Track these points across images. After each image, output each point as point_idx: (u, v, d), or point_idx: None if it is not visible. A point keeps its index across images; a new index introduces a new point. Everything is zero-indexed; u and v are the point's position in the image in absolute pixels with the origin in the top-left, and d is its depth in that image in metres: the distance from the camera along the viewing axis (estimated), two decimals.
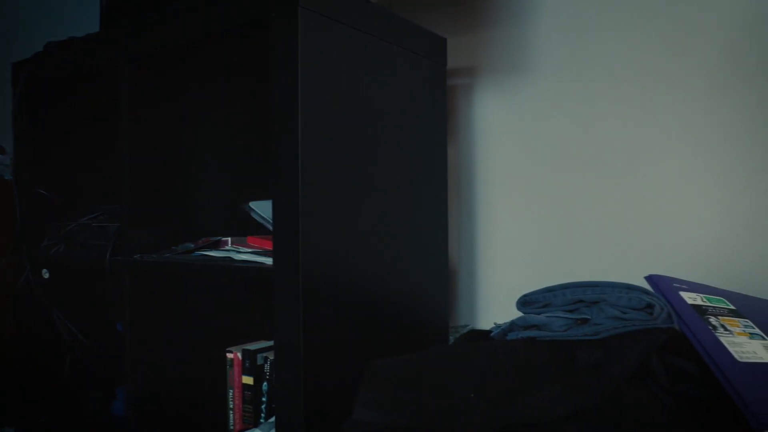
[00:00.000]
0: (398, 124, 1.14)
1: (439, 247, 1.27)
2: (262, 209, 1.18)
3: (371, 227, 1.06)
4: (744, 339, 0.81)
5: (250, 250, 1.12)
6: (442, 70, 1.28)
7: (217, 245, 1.20)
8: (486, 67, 1.49)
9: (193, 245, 1.20)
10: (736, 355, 0.76)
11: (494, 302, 1.49)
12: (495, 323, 1.01)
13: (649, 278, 0.94)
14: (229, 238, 1.19)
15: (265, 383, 1.22)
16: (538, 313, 0.94)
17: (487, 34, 1.49)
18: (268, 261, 0.99)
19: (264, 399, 1.22)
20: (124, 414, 1.27)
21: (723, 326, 0.83)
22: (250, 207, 1.19)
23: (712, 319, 0.84)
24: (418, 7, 1.58)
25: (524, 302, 0.99)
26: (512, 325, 0.95)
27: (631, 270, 1.31)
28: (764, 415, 0.65)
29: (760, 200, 1.20)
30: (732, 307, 0.91)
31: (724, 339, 0.79)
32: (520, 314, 0.98)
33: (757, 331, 0.84)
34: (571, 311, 0.92)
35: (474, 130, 1.50)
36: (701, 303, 0.89)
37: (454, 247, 1.53)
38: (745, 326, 0.85)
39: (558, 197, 1.40)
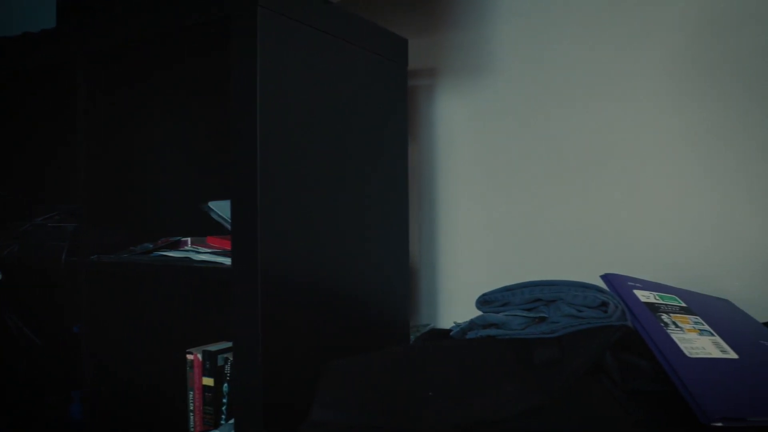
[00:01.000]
0: (358, 124, 1.14)
1: (400, 247, 1.27)
2: (221, 209, 1.17)
3: (331, 227, 1.06)
4: (694, 335, 0.83)
5: (209, 250, 1.11)
6: (403, 71, 1.28)
7: (176, 245, 1.19)
8: (447, 68, 1.50)
9: (152, 245, 1.19)
10: (685, 351, 0.78)
11: (455, 301, 1.50)
12: (455, 322, 1.02)
13: (605, 277, 0.96)
14: (189, 239, 1.18)
15: (225, 384, 1.21)
16: (497, 312, 0.96)
17: (448, 36, 1.50)
18: (227, 261, 0.99)
19: (224, 400, 1.21)
20: (81, 417, 1.25)
21: (674, 323, 0.85)
22: (209, 207, 1.18)
23: (664, 317, 0.86)
24: (379, 9, 1.59)
25: (484, 301, 1.00)
26: (472, 324, 0.96)
27: (588, 269, 1.34)
28: (710, 407, 0.67)
29: (717, 200, 1.23)
30: (683, 304, 0.94)
31: (675, 336, 0.81)
32: (479, 313, 0.99)
33: (706, 327, 0.87)
34: (529, 310, 0.94)
35: (435, 130, 1.52)
36: (654, 301, 0.91)
37: (416, 247, 1.54)
38: (696, 323, 0.87)
39: (518, 197, 1.42)
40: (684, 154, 1.25)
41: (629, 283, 0.94)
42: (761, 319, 1.12)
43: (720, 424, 0.67)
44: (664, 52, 1.27)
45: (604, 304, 0.87)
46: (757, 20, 1.19)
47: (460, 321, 1.03)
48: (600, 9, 1.33)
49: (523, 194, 1.41)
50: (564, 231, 1.37)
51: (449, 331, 1.03)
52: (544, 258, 1.39)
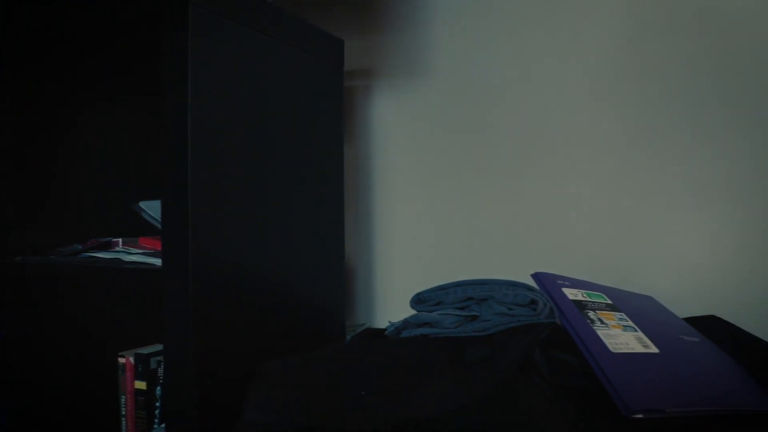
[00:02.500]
0: (293, 123, 1.14)
1: (335, 247, 1.27)
2: (152, 209, 1.15)
3: (265, 227, 1.06)
4: (618, 331, 0.86)
5: (141, 251, 1.09)
6: (339, 71, 1.29)
7: (107, 246, 1.16)
8: (384, 69, 1.51)
9: (80, 247, 1.16)
10: (610, 347, 0.80)
11: (392, 301, 1.51)
12: (390, 322, 1.03)
13: (535, 276, 0.98)
14: (120, 239, 1.15)
15: (158, 387, 1.19)
16: (431, 311, 0.97)
17: (384, 38, 1.51)
18: (159, 262, 0.97)
19: (158, 404, 1.19)
20: (6, 426, 1.20)
21: (600, 320, 0.88)
22: (140, 207, 1.16)
23: (591, 314, 0.89)
24: (316, 9, 1.58)
25: (418, 300, 1.01)
26: (405, 323, 0.97)
27: (521, 267, 1.37)
28: (631, 400, 0.69)
29: (642, 201, 1.28)
30: (609, 301, 0.97)
31: (600, 332, 0.84)
32: (414, 312, 1.00)
33: (630, 323, 0.90)
34: (461, 308, 0.95)
35: (372, 131, 1.52)
36: (582, 298, 0.94)
37: (353, 247, 1.54)
38: (620, 319, 0.90)
39: (453, 197, 1.44)
40: (612, 155, 1.30)
41: (558, 282, 0.97)
42: (682, 315, 1.16)
43: (640, 416, 0.70)
44: (594, 56, 1.31)
45: (534, 302, 0.89)
46: (679, 30, 1.24)
47: (395, 320, 1.04)
48: (534, 13, 1.36)
49: (458, 194, 1.43)
50: (498, 230, 1.40)
51: (384, 330, 1.04)
52: (479, 257, 1.41)
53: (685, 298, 1.24)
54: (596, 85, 1.31)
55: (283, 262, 1.10)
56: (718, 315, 1.14)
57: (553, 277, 0.99)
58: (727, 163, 1.22)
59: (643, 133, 1.27)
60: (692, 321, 1.07)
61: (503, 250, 1.39)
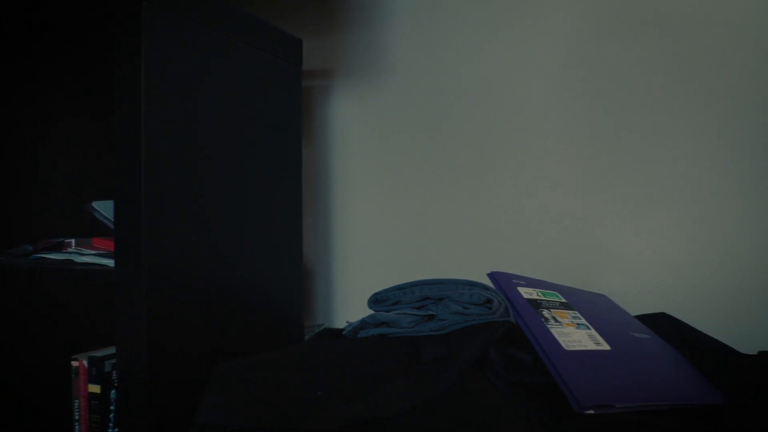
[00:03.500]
0: (250, 123, 1.13)
1: (294, 246, 1.27)
2: (106, 209, 1.13)
3: (221, 227, 1.05)
4: (572, 329, 0.88)
5: (94, 252, 1.07)
6: (298, 71, 1.28)
7: (59, 247, 1.13)
8: (343, 69, 1.51)
9: (31, 248, 1.13)
10: (563, 344, 0.82)
11: (351, 300, 1.52)
12: (348, 322, 1.03)
13: (491, 275, 0.99)
14: (73, 240, 1.13)
15: (113, 391, 1.17)
16: (388, 311, 0.97)
17: (343, 38, 1.51)
18: (112, 263, 0.96)
19: (112, 407, 1.17)
20: None
21: (554, 318, 0.89)
22: (92, 207, 1.14)
23: (545, 312, 0.90)
24: (275, 8, 1.58)
25: (375, 300, 1.01)
26: (363, 323, 0.97)
27: (479, 266, 1.38)
28: (582, 396, 0.71)
29: (597, 201, 1.30)
30: (564, 300, 0.99)
31: (554, 330, 0.85)
32: (372, 312, 1.00)
33: (583, 321, 0.92)
34: (419, 308, 0.96)
35: (331, 131, 1.52)
36: (536, 297, 0.95)
37: (311, 247, 1.54)
38: (574, 317, 0.92)
39: (412, 197, 1.44)
40: (567, 157, 1.32)
41: (514, 281, 0.98)
42: (634, 313, 1.19)
43: (591, 412, 0.72)
44: (553, 59, 1.33)
45: (489, 301, 0.90)
46: (634, 34, 1.27)
47: (354, 320, 1.04)
48: (494, 14, 1.38)
49: (417, 194, 1.44)
50: (456, 230, 1.41)
51: (342, 330, 1.04)
52: (438, 257, 1.42)
53: (636, 297, 1.27)
54: (554, 88, 1.33)
55: (240, 262, 1.10)
56: (668, 312, 1.17)
57: (509, 277, 1.00)
58: (678, 165, 1.25)
59: (598, 135, 1.30)
60: (643, 318, 1.09)
61: (462, 250, 1.40)
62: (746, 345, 1.15)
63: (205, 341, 1.01)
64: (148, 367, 0.88)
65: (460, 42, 1.40)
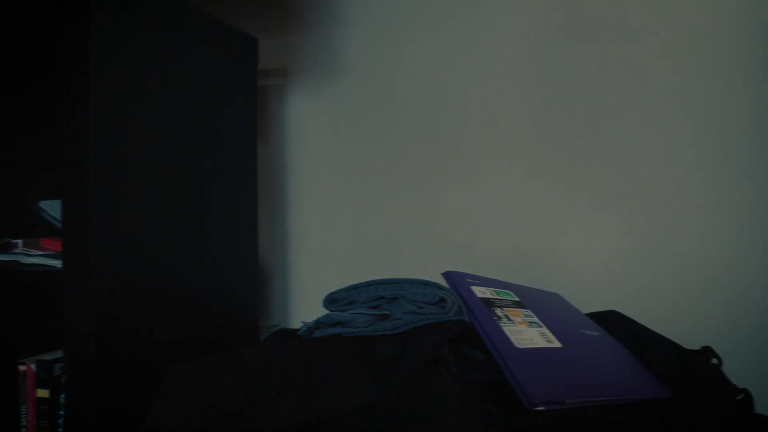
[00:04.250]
0: (204, 122, 1.12)
1: (249, 247, 1.26)
2: (54, 209, 1.10)
3: (173, 227, 1.03)
4: (524, 327, 0.89)
5: (42, 252, 1.04)
6: (254, 70, 1.27)
7: (6, 248, 1.10)
8: (299, 68, 1.51)
9: None
10: (515, 342, 0.83)
11: (308, 301, 1.51)
12: (303, 322, 1.03)
13: (446, 274, 1.00)
14: (21, 240, 1.10)
15: (63, 395, 1.14)
16: (343, 311, 0.97)
17: (300, 37, 1.50)
18: (60, 264, 0.93)
19: (62, 412, 1.14)
20: None
21: (507, 317, 0.91)
22: (40, 207, 1.11)
23: (498, 311, 0.92)
24: (230, 7, 1.56)
25: (330, 300, 1.01)
26: (318, 323, 0.96)
27: (435, 266, 1.39)
28: (533, 393, 0.72)
29: (550, 202, 1.32)
30: (517, 299, 1.00)
31: (507, 328, 0.86)
32: (327, 312, 1.00)
33: (535, 320, 0.93)
34: (373, 308, 0.96)
35: (287, 130, 1.51)
36: (490, 296, 0.96)
37: (268, 247, 1.53)
38: (526, 316, 0.93)
39: (368, 197, 1.45)
40: (522, 158, 1.34)
41: (468, 280, 0.99)
42: (585, 311, 1.21)
43: (542, 408, 0.73)
44: (504, 61, 1.35)
45: (443, 300, 0.91)
46: (584, 37, 1.30)
47: (310, 320, 1.04)
48: (449, 15, 1.39)
49: (373, 194, 1.44)
50: (412, 230, 1.41)
51: (298, 330, 1.03)
52: (394, 256, 1.43)
53: (588, 295, 1.29)
54: (507, 88, 1.35)
55: (193, 263, 1.08)
56: (618, 310, 1.19)
57: (463, 276, 1.01)
58: (629, 167, 1.28)
59: (551, 136, 1.32)
60: (594, 316, 1.11)
61: (418, 249, 1.41)
62: (692, 340, 1.18)
63: (157, 343, 0.99)
64: (98, 369, 0.86)
65: (416, 41, 1.41)
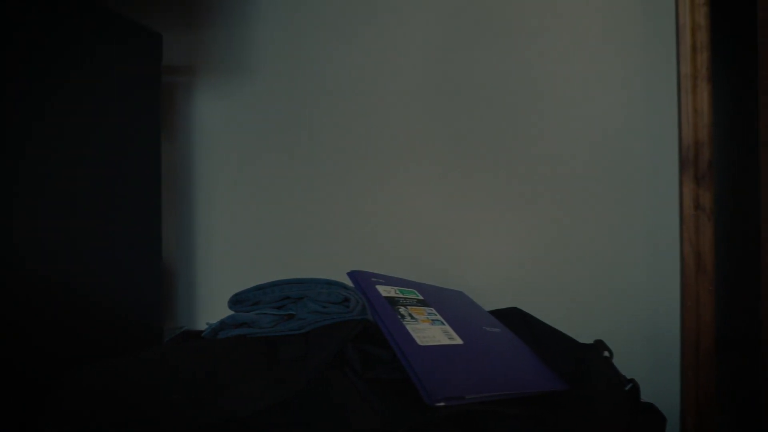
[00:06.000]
0: (102, 119, 1.08)
1: (152, 248, 1.22)
2: None
3: (67, 228, 0.99)
4: (427, 325, 0.91)
5: None
6: (157, 67, 1.24)
7: None
8: (207, 66, 1.48)
9: None
10: (417, 340, 0.85)
11: (215, 302, 1.48)
12: (207, 323, 1.01)
13: (351, 274, 1.01)
14: None
15: None
16: (249, 311, 0.96)
17: (208, 34, 1.48)
18: None
19: None
20: None
21: (410, 315, 0.92)
22: None
23: (402, 309, 0.93)
24: (136, 2, 1.51)
25: (236, 301, 1.00)
26: (222, 324, 0.95)
27: (342, 266, 1.40)
28: (433, 389, 0.74)
29: (454, 203, 1.35)
30: (421, 297, 1.02)
31: (410, 326, 0.88)
32: (232, 313, 0.99)
33: (438, 317, 0.95)
34: (279, 308, 0.96)
35: (194, 129, 1.48)
36: (394, 295, 0.98)
37: (174, 248, 1.49)
38: (429, 314, 0.95)
39: (276, 197, 1.44)
40: (429, 160, 1.36)
41: (373, 279, 1.00)
42: (489, 307, 1.25)
43: (442, 404, 0.75)
44: (412, 64, 1.37)
45: (347, 299, 0.91)
46: (480, 47, 1.33)
47: (216, 322, 1.02)
48: (358, 16, 1.39)
49: (281, 193, 1.43)
50: (320, 230, 1.41)
51: (202, 332, 1.02)
52: (302, 256, 1.42)
53: (492, 292, 1.33)
54: (416, 92, 1.37)
55: (91, 265, 1.04)
56: (519, 307, 1.24)
57: (369, 275, 1.02)
58: (528, 169, 1.33)
59: (457, 137, 1.35)
60: (496, 313, 1.15)
61: (325, 249, 1.41)
62: (586, 334, 1.24)
63: (52, 349, 0.95)
64: None
65: (326, 42, 1.41)
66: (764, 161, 1.12)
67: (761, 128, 1.12)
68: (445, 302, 1.05)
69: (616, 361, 1.22)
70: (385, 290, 0.98)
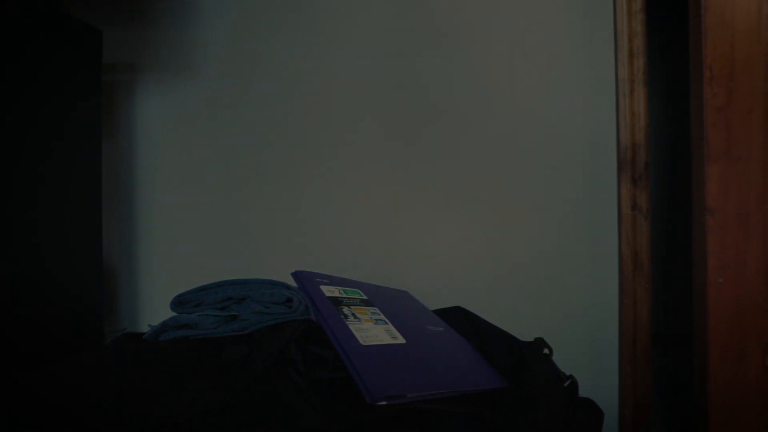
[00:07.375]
0: (35, 117, 1.05)
1: (92, 248, 1.20)
2: None
3: (3, 229, 0.97)
4: (370, 325, 0.91)
5: None
6: (97, 64, 1.21)
7: None
8: (149, 64, 1.45)
9: None
10: (360, 340, 0.85)
11: (159, 303, 1.46)
12: (149, 325, 1.00)
13: (295, 274, 1.00)
14: None
15: None
16: (191, 313, 0.95)
17: (151, 32, 1.45)
18: None
19: None
20: None
21: (354, 315, 0.93)
22: None
23: (345, 309, 0.93)
24: None
25: (178, 302, 0.99)
26: (164, 326, 0.94)
27: (286, 266, 1.39)
28: (374, 388, 0.74)
29: (398, 203, 1.36)
30: (365, 297, 1.03)
31: (353, 326, 0.88)
32: (174, 314, 0.98)
33: (382, 317, 0.96)
34: (222, 309, 0.95)
35: (136, 128, 1.46)
36: (338, 295, 0.98)
37: (115, 249, 1.46)
38: (373, 314, 0.96)
39: (220, 196, 1.42)
40: (373, 157, 1.37)
41: (317, 280, 1.00)
42: (433, 307, 1.27)
43: (384, 403, 0.75)
44: (355, 63, 1.37)
45: (290, 300, 0.92)
46: (433, 47, 1.35)
47: (158, 323, 1.01)
48: (303, 15, 1.39)
49: (225, 193, 1.42)
50: (264, 230, 1.41)
51: (144, 334, 1.00)
52: (246, 256, 1.42)
53: (436, 292, 1.35)
54: (359, 92, 1.37)
55: (27, 267, 1.02)
56: (462, 306, 1.25)
57: (313, 276, 1.02)
58: (473, 172, 1.35)
59: (402, 137, 1.36)
60: (440, 312, 1.16)
61: (270, 249, 1.41)
62: (528, 332, 1.27)
63: None
64: None
65: (270, 41, 1.41)
66: (695, 156, 1.17)
67: (692, 120, 1.16)
68: (389, 302, 1.06)
69: (557, 358, 1.25)
70: (328, 290, 0.98)
